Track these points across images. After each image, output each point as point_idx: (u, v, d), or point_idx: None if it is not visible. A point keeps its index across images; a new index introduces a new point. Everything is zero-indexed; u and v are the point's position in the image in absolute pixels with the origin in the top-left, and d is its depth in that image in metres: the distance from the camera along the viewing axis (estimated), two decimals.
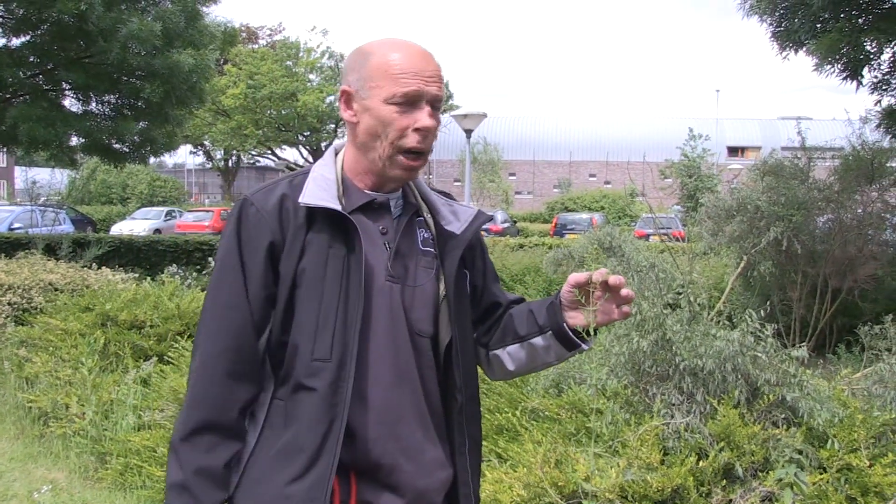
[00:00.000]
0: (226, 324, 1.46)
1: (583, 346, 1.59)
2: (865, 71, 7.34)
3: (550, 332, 1.59)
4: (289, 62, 35.69)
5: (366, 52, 1.53)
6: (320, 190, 1.50)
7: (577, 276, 1.54)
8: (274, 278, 1.48)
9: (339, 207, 1.48)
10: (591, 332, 1.57)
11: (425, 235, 1.60)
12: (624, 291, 1.53)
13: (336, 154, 1.62)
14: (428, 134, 1.50)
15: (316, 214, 1.48)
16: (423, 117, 1.48)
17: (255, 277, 1.47)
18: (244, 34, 39.64)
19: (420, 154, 1.51)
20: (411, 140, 1.49)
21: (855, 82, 7.31)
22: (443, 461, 1.54)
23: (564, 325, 1.57)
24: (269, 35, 42.81)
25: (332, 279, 1.45)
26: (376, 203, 1.55)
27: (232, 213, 1.53)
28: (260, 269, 1.47)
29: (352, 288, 1.45)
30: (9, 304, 6.89)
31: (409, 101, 1.48)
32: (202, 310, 1.52)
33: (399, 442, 1.47)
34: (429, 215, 1.63)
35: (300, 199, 1.48)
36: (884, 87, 7.70)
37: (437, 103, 1.52)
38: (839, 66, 7.20)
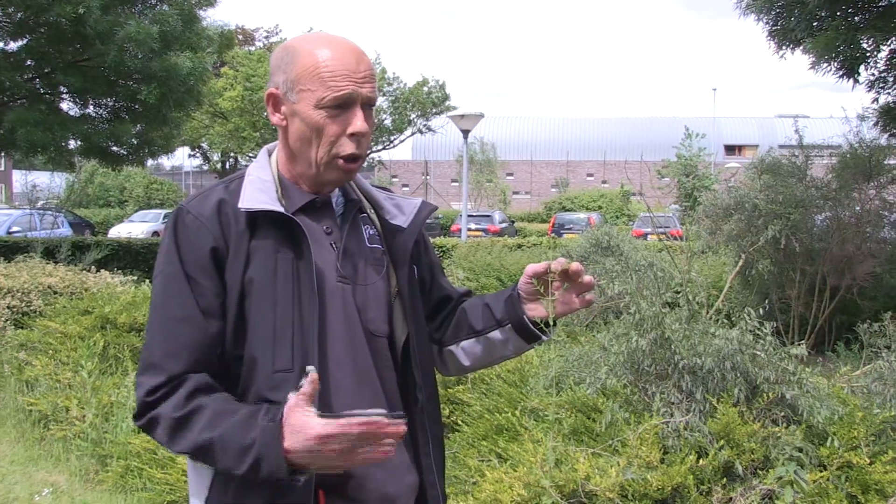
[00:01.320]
0: (183, 339, 1.35)
1: (543, 337, 1.56)
2: (862, 69, 7.35)
3: (510, 325, 1.56)
4: None
5: (293, 51, 1.43)
6: (259, 192, 1.42)
7: (534, 267, 1.51)
8: (222, 286, 1.39)
9: (281, 209, 1.40)
10: (551, 323, 1.54)
11: (371, 232, 1.54)
12: (586, 278, 1.50)
13: (269, 155, 1.54)
14: (363, 139, 1.43)
15: (258, 219, 1.40)
16: (356, 122, 1.41)
17: (203, 287, 1.37)
18: (241, 37, 39.66)
19: (357, 158, 1.44)
20: (346, 147, 1.41)
21: (851, 80, 7.32)
22: (408, 464, 1.49)
23: (524, 317, 1.54)
24: (266, 37, 42.86)
25: (284, 285, 1.38)
26: (318, 202, 1.48)
27: (168, 224, 1.43)
28: (207, 278, 1.38)
29: (304, 292, 1.38)
30: (8, 307, 6.89)
31: (341, 105, 1.39)
32: (149, 332, 1.39)
33: None
34: (372, 211, 1.57)
35: (240, 204, 1.40)
36: (881, 85, 7.72)
37: (370, 104, 1.44)
38: (836, 63, 7.21)
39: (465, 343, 1.62)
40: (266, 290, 1.37)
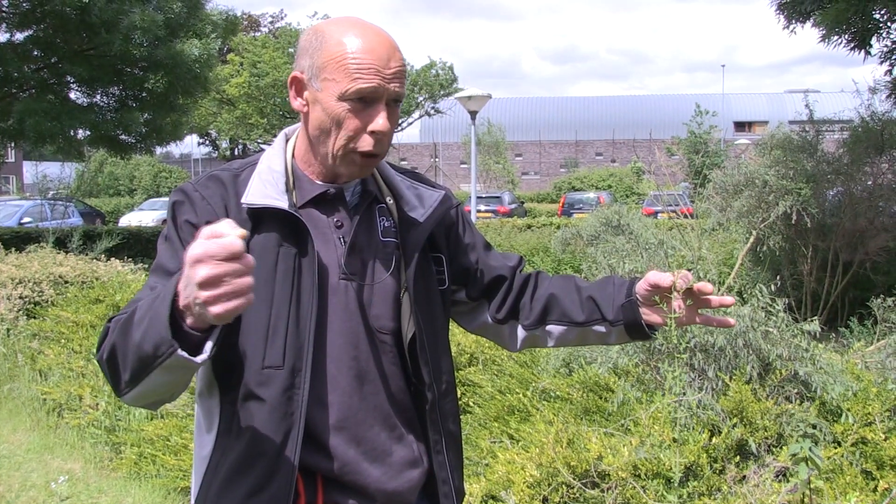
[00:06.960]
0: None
1: (653, 336, 1.52)
2: (874, 40, 7.23)
3: (623, 326, 1.51)
4: (291, 49, 35.58)
5: (322, 36, 1.36)
6: (266, 186, 1.37)
7: (657, 278, 1.43)
8: None
9: (286, 206, 1.35)
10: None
11: (386, 224, 1.47)
12: (716, 300, 1.43)
13: (287, 140, 1.48)
14: (384, 137, 1.36)
15: (261, 213, 1.36)
16: (378, 119, 1.34)
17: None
18: (245, 22, 39.55)
19: (374, 156, 1.38)
20: (364, 143, 1.35)
21: (863, 52, 7.21)
22: (413, 459, 1.45)
23: (642, 322, 1.49)
24: (271, 22, 42.73)
25: (283, 282, 1.34)
26: (330, 194, 1.42)
27: (171, 198, 1.41)
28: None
29: (304, 290, 1.34)
30: (20, 297, 6.92)
31: (364, 99, 1.33)
32: (143, 287, 1.35)
33: (361, 446, 1.39)
34: (391, 200, 1.49)
35: (243, 200, 1.35)
36: (894, 57, 7.59)
37: (397, 101, 1.37)
38: (847, 36, 7.10)
39: (554, 328, 1.57)
40: (263, 287, 1.31)
